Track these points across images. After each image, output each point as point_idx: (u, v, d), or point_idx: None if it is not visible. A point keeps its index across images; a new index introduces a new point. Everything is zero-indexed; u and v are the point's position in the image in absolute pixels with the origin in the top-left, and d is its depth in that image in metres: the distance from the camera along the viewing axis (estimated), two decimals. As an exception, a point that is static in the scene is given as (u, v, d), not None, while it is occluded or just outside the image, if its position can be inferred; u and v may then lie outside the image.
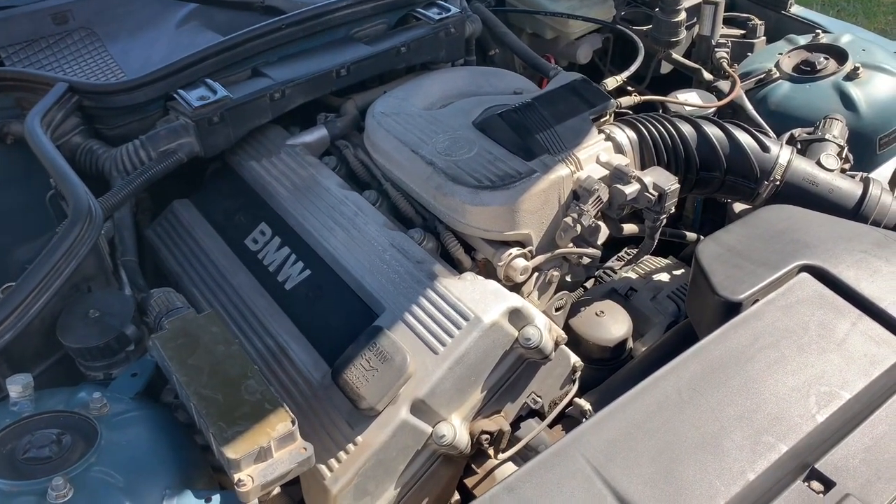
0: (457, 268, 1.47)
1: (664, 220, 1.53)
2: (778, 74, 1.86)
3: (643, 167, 1.57)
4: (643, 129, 1.57)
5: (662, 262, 1.86)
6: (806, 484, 1.13)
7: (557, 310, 1.48)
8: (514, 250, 1.43)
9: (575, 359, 1.42)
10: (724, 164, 1.57)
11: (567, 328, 1.57)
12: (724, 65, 1.98)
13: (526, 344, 1.28)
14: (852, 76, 1.78)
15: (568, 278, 1.61)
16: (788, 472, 1.11)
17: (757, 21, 2.13)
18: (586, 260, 1.56)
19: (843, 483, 1.11)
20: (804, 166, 1.57)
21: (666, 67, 2.26)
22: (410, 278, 1.35)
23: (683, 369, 1.22)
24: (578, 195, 1.46)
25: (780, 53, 1.94)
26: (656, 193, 1.46)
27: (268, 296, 1.47)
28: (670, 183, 1.47)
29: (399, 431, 1.22)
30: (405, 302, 1.32)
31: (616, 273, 1.81)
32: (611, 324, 1.56)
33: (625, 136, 1.55)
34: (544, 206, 1.44)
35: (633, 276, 1.81)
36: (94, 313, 1.29)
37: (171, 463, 1.13)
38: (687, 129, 1.58)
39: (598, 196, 1.44)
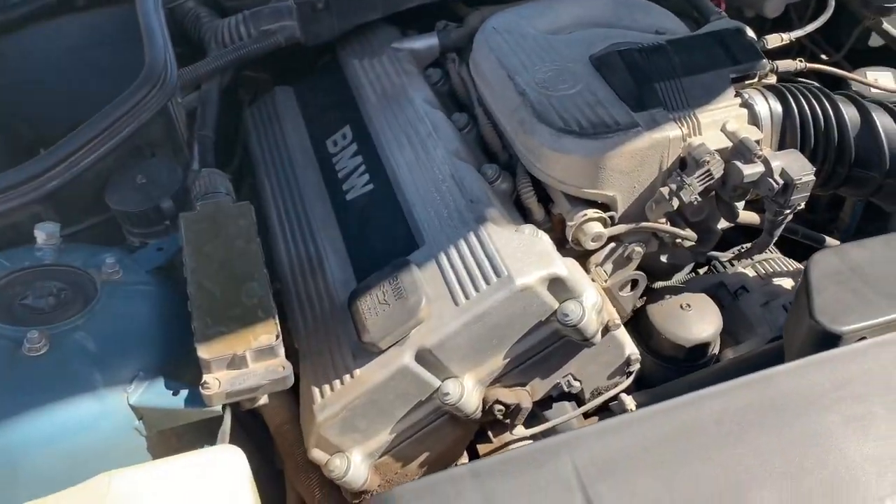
0: (526, 217, 1.30)
1: (789, 216, 1.25)
2: None
3: (782, 147, 1.29)
4: (793, 102, 1.28)
5: (793, 265, 1.56)
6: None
7: (625, 289, 1.27)
8: (592, 212, 1.24)
9: (632, 350, 1.22)
10: (886, 164, 1.25)
11: (644, 316, 1.36)
12: None
13: (563, 320, 1.10)
14: None
15: (664, 259, 1.39)
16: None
17: None
18: (688, 242, 1.33)
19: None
20: None
21: (876, 40, 1.86)
22: (458, 216, 1.20)
23: (736, 396, 0.99)
24: (685, 164, 1.23)
25: None
26: (782, 181, 1.19)
27: (328, 202, 1.39)
28: (804, 172, 1.19)
29: (399, 375, 1.11)
30: (444, 241, 1.18)
31: (732, 266, 1.55)
32: (694, 321, 1.33)
33: (766, 105, 1.27)
34: (639, 169, 1.22)
35: (752, 273, 1.54)
36: (142, 179, 1.28)
37: (159, 346, 1.10)
38: (850, 112, 1.27)
39: (708, 170, 1.20)
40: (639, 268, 1.37)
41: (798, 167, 1.20)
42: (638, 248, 1.28)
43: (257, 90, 1.73)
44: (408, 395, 1.14)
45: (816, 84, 1.31)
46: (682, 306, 1.34)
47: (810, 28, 1.52)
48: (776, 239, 1.32)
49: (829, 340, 1.05)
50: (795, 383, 1.00)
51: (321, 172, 1.45)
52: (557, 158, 1.22)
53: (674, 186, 1.21)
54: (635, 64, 1.29)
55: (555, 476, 0.92)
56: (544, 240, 1.17)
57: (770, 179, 1.19)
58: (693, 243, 1.35)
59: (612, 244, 1.27)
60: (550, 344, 1.16)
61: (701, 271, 1.59)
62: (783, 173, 1.19)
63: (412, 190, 1.29)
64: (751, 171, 1.20)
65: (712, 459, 0.93)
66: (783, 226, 1.28)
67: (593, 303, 1.13)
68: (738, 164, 1.21)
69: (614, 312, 1.20)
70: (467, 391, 1.14)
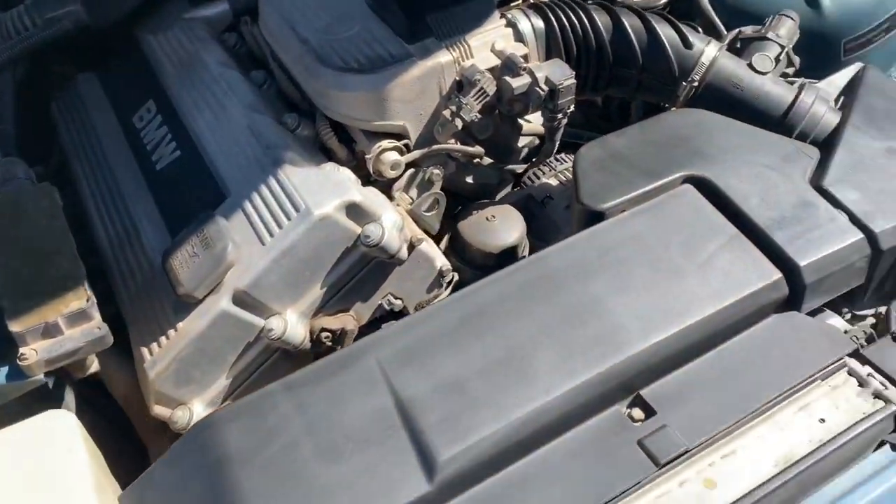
0: (331, 159, 1.38)
1: (563, 120, 1.38)
2: (745, -35, 1.64)
3: (549, 59, 1.41)
4: (552, 16, 1.40)
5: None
6: (627, 410, 1.03)
7: (429, 210, 1.37)
8: (386, 143, 1.33)
9: (442, 262, 1.32)
10: (639, 61, 1.40)
11: (456, 232, 1.47)
12: None
13: (366, 241, 1.19)
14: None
15: (470, 179, 1.50)
16: (607, 397, 1.02)
17: None
18: (486, 160, 1.45)
19: (664, 414, 1.01)
20: (732, 68, 1.38)
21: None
22: (257, 164, 1.27)
23: (516, 276, 1.12)
24: (462, 86, 1.33)
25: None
26: (547, 88, 1.31)
27: (139, 175, 1.42)
28: (565, 77, 1.31)
29: (220, 320, 1.17)
30: (246, 189, 1.25)
31: (538, 179, 1.68)
32: (499, 229, 1.45)
33: (529, 23, 1.39)
34: (421, 96, 1.32)
35: (555, 182, 1.67)
36: (-63, 176, 1.27)
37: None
38: (603, 19, 1.40)
39: (481, 88, 1.31)
40: (449, 189, 1.48)
41: (560, 73, 1.32)
42: (436, 171, 1.38)
43: (63, 83, 1.72)
44: (235, 339, 1.21)
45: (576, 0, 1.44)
46: (487, 218, 1.46)
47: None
48: (557, 144, 1.44)
49: (595, 218, 1.19)
50: (565, 258, 1.13)
51: (131, 149, 1.48)
52: (343, 97, 1.30)
53: (454, 108, 1.31)
54: (406, 0, 1.38)
55: (361, 375, 1.01)
56: (341, 172, 1.25)
57: (537, 88, 1.32)
58: (490, 160, 1.47)
59: (412, 170, 1.37)
60: (362, 267, 1.25)
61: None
62: (547, 81, 1.32)
63: (214, 148, 1.34)
64: (519, 83, 1.32)
65: (499, 333, 1.04)
66: (561, 130, 1.41)
67: (393, 222, 1.22)
68: (508, 78, 1.32)
69: (417, 230, 1.30)
70: (291, 325, 1.22)
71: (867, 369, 1.06)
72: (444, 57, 1.31)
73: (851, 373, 1.06)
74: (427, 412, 0.97)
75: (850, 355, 1.07)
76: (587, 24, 1.40)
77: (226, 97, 1.39)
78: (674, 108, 1.41)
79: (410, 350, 1.03)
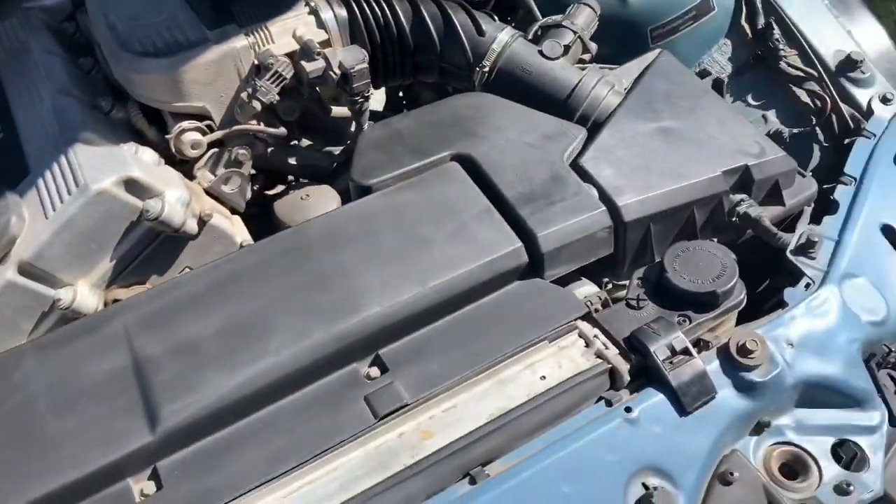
0: (143, 140, 1.44)
1: (363, 103, 1.45)
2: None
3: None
4: (355, 6, 1.47)
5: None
6: (366, 370, 1.10)
7: (230, 188, 1.44)
8: (187, 123, 1.39)
9: (243, 237, 1.39)
10: (437, 48, 1.47)
11: (272, 211, 1.54)
12: None
13: (146, 216, 1.26)
14: (632, -39, 1.62)
15: (293, 161, 1.57)
16: (344, 356, 1.09)
17: None
18: (306, 142, 1.52)
19: (396, 372, 1.08)
20: (523, 54, 1.45)
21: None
22: (54, 143, 1.34)
23: (273, 245, 1.19)
24: (260, 70, 1.40)
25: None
26: (339, 72, 1.38)
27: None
28: (357, 62, 1.38)
29: (8, 291, 1.24)
30: (41, 167, 1.31)
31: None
32: (312, 208, 1.52)
33: (331, 12, 1.46)
34: (219, 79, 1.39)
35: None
36: None
37: None
38: (404, 8, 1.47)
39: (276, 71, 1.38)
40: (274, 171, 1.56)
41: (353, 58, 1.39)
42: (242, 151, 1.45)
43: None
44: (27, 308, 1.27)
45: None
46: (301, 197, 1.53)
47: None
48: (366, 126, 1.52)
49: (364, 193, 1.26)
50: (323, 229, 1.20)
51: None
52: (142, 80, 1.37)
53: (251, 90, 1.38)
54: (213, -11, 1.45)
55: (105, 337, 1.08)
56: (126, 150, 1.31)
57: (331, 73, 1.39)
58: (309, 143, 1.54)
59: (217, 150, 1.44)
60: (151, 241, 1.31)
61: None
62: (340, 65, 1.39)
63: (25, 130, 1.41)
64: (313, 67, 1.39)
65: (243, 299, 1.11)
66: (366, 113, 1.48)
67: (177, 198, 1.29)
68: (304, 63, 1.39)
69: (208, 206, 1.36)
70: (82, 296, 1.28)
71: (595, 331, 1.13)
72: (240, 42, 1.38)
73: (581, 335, 1.13)
74: (160, 371, 1.04)
75: (582, 318, 1.15)
76: (388, 13, 1.47)
77: (41, 82, 1.46)
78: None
79: (156, 314, 1.10)
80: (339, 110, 1.53)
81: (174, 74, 1.35)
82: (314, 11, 1.46)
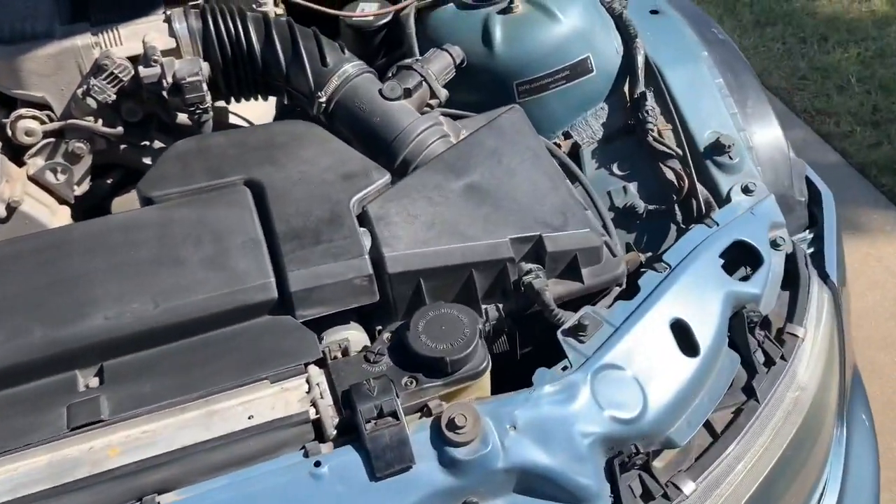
0: (-7, 120, 1.50)
1: (203, 115, 1.47)
2: (457, -6, 1.70)
3: (208, 58, 1.50)
4: (211, 20, 1.49)
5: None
6: (88, 379, 1.12)
7: (55, 178, 1.47)
8: (25, 111, 1.44)
9: (47, 222, 1.43)
10: (283, 71, 1.48)
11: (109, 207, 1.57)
12: None
13: (-53, 194, 1.30)
14: (507, 9, 1.60)
15: (147, 161, 1.60)
16: (61, 362, 1.11)
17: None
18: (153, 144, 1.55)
19: (112, 387, 1.11)
20: (362, 90, 1.45)
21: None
22: None
23: (32, 240, 1.23)
24: (99, 69, 1.43)
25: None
26: (171, 81, 1.41)
27: None
28: (191, 74, 1.41)
29: None
30: None
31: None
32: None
33: (185, 23, 1.49)
34: (59, 73, 1.43)
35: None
36: None
37: None
38: (256, 26, 1.49)
39: (113, 73, 1.41)
40: (131, 168, 1.60)
41: (188, 69, 1.42)
42: (80, 145, 1.49)
43: None
44: None
45: (237, 7, 1.53)
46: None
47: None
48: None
49: (146, 203, 1.28)
50: (88, 233, 1.22)
51: None
52: (-13, 64, 1.43)
53: (85, 87, 1.42)
54: (82, -14, 1.50)
55: None
56: None
57: (164, 81, 1.41)
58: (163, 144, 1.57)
59: (54, 140, 1.48)
60: (-45, 222, 1.36)
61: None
62: (174, 75, 1.41)
63: None
64: (147, 73, 1.42)
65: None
66: (205, 125, 1.50)
67: (-14, 181, 1.33)
68: (141, 68, 1.42)
69: (18, 193, 1.40)
70: None
71: (321, 379, 1.12)
72: (83, 40, 1.42)
73: (308, 380, 1.12)
74: None
75: (316, 363, 1.14)
76: (240, 30, 1.49)
77: None
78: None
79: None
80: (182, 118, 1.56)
81: (13, 62, 1.40)
82: (168, 20, 1.49)
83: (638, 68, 1.61)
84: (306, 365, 1.13)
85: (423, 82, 1.47)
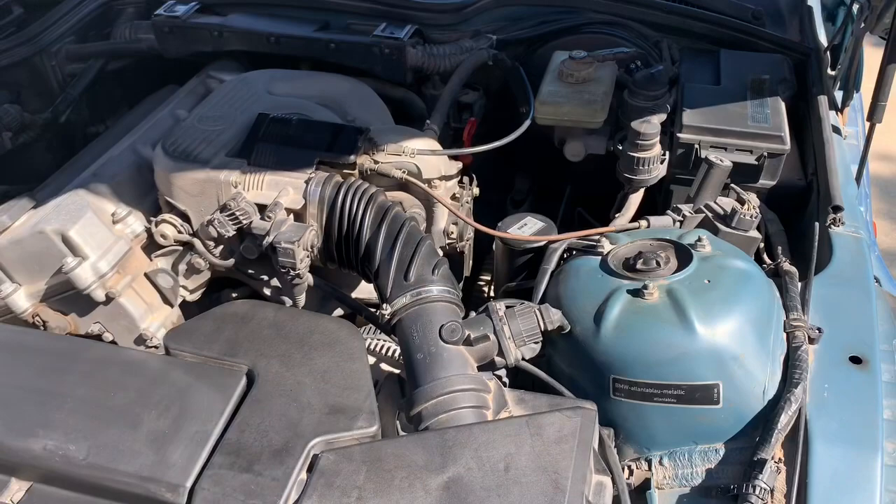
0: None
1: (293, 277, 1.48)
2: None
3: (329, 226, 1.51)
4: (341, 195, 1.49)
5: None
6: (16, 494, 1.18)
7: (165, 283, 1.58)
8: (169, 216, 1.59)
9: (145, 325, 1.55)
10: (375, 268, 1.42)
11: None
12: None
13: (62, 268, 1.48)
14: (638, 292, 1.31)
15: (268, 291, 1.67)
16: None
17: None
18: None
19: None
20: (425, 320, 1.30)
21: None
22: (83, 178, 1.65)
23: (53, 343, 1.33)
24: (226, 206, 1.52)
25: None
26: (270, 241, 1.44)
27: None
28: (288, 241, 1.42)
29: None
30: (64, 187, 1.64)
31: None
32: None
33: (319, 189, 1.50)
34: (201, 196, 1.55)
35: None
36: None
37: None
38: (376, 215, 1.45)
39: (233, 212, 1.49)
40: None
41: (287, 236, 1.44)
42: (199, 260, 1.60)
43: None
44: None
45: (374, 191, 1.51)
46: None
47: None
48: (293, 303, 1.54)
49: (166, 350, 1.31)
50: (101, 357, 1.29)
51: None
52: (156, 170, 1.61)
53: (212, 218, 1.52)
54: (263, 126, 1.62)
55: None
56: (90, 210, 1.53)
57: (266, 237, 1.45)
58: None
59: (181, 248, 1.61)
60: (70, 289, 1.54)
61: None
62: (278, 235, 1.44)
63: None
64: (258, 224, 1.47)
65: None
66: (295, 289, 1.50)
67: (93, 266, 1.49)
68: (256, 218, 1.48)
69: (119, 286, 1.52)
70: (18, 296, 1.56)
71: None
72: (226, 175, 1.53)
73: None
74: None
75: None
76: (359, 214, 1.46)
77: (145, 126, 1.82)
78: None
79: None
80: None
81: (172, 176, 1.56)
82: (308, 181, 1.53)
83: (776, 428, 1.22)
84: None
85: (492, 336, 1.29)
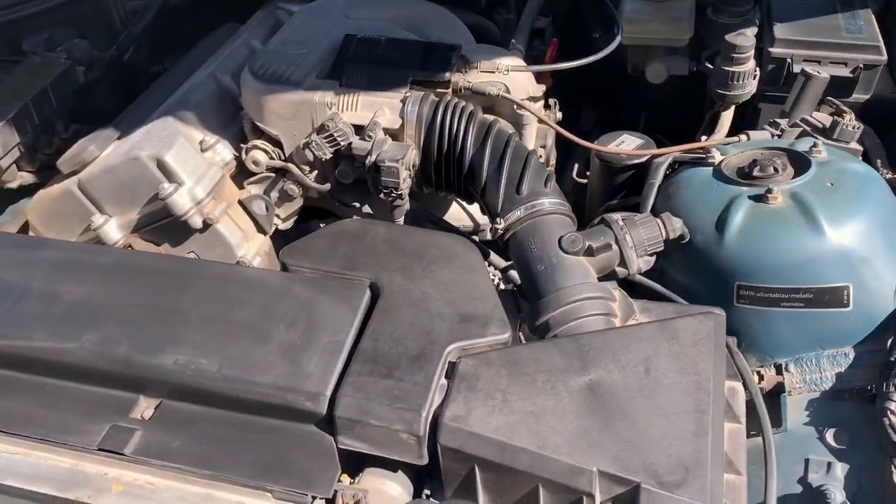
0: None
1: (396, 200, 1.45)
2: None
3: (427, 146, 1.47)
4: (440, 114, 1.45)
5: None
6: (147, 408, 1.16)
7: (258, 210, 1.56)
8: (259, 142, 1.56)
9: (244, 251, 1.53)
10: (482, 184, 1.39)
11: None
12: None
13: (159, 194, 1.46)
14: (762, 197, 1.29)
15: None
16: (122, 382, 1.15)
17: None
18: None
19: (153, 425, 1.12)
20: (543, 232, 1.28)
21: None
22: (167, 106, 1.62)
23: (166, 263, 1.32)
24: (322, 128, 1.49)
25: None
26: (373, 161, 1.41)
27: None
28: (392, 159, 1.39)
29: (67, 196, 1.54)
30: (146, 118, 1.60)
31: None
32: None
33: (416, 108, 1.46)
34: (294, 119, 1.51)
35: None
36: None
37: None
38: (478, 133, 1.42)
39: (331, 134, 1.45)
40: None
41: (391, 154, 1.40)
42: (293, 186, 1.57)
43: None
44: (76, 215, 1.57)
45: (473, 108, 1.47)
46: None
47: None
48: (398, 221, 1.51)
49: (283, 267, 1.29)
50: (218, 275, 1.27)
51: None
52: (245, 92, 1.57)
53: (308, 140, 1.49)
54: (352, 47, 1.57)
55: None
56: (182, 135, 1.50)
57: (368, 157, 1.42)
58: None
59: (275, 175, 1.58)
60: (166, 216, 1.51)
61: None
62: (380, 154, 1.41)
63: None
64: (358, 144, 1.44)
65: (104, 290, 1.25)
66: (398, 209, 1.47)
67: (189, 191, 1.46)
68: (355, 138, 1.45)
69: (216, 212, 1.50)
70: (109, 227, 1.54)
71: (316, 520, 1.02)
72: (320, 97, 1.49)
73: (308, 511, 1.03)
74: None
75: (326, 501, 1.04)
76: (460, 132, 1.43)
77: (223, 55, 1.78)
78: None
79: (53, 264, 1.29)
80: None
81: (262, 98, 1.52)
82: (403, 100, 1.49)
83: (912, 325, 1.20)
84: (314, 498, 1.03)
85: (615, 245, 1.27)
